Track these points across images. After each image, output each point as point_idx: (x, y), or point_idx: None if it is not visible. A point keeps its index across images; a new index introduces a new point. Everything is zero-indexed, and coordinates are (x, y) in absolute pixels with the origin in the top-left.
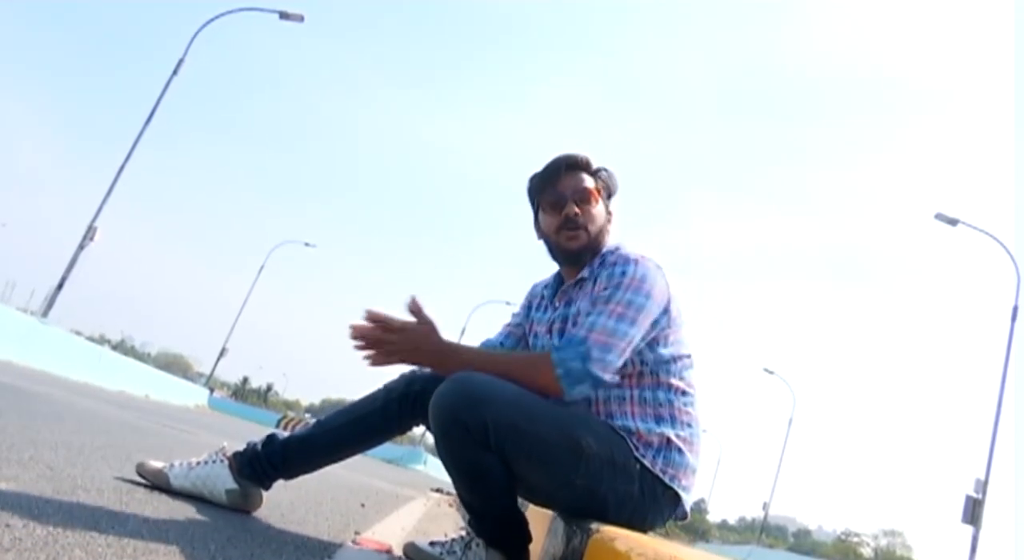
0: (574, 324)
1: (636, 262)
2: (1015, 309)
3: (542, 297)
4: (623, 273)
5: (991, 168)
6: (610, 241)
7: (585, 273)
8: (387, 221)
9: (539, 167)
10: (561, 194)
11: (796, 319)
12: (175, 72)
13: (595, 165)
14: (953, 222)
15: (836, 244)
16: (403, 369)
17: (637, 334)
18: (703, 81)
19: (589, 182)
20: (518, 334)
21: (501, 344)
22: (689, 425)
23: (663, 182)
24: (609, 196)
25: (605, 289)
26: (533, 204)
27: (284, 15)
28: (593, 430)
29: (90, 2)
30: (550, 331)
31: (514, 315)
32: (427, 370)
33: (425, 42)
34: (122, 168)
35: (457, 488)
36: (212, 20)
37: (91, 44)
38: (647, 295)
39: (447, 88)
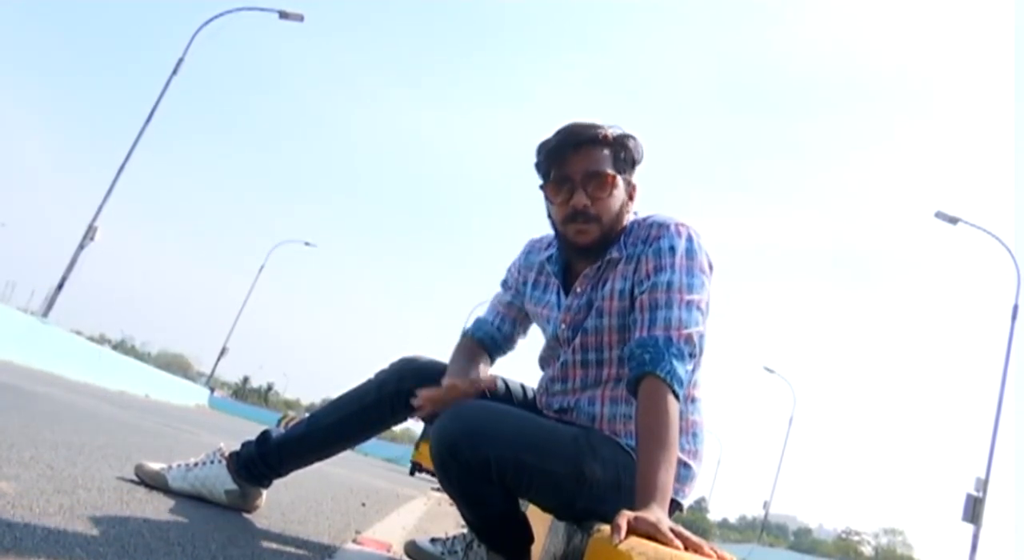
0: (600, 314)
1: (678, 232)
2: (1015, 308)
3: (545, 273)
4: (672, 249)
5: (991, 166)
6: (629, 218)
7: (615, 253)
8: (387, 219)
9: (548, 134)
10: (569, 179)
11: (796, 317)
12: (175, 72)
13: (614, 134)
14: (953, 221)
15: (836, 242)
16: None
17: (705, 320)
18: (701, 78)
19: (605, 162)
20: (512, 315)
21: (499, 329)
22: (695, 435)
23: (661, 179)
24: (633, 166)
25: (658, 271)
26: (542, 178)
27: (284, 14)
28: (600, 455)
29: (90, 2)
30: (566, 321)
31: (504, 286)
32: (419, 364)
33: (424, 40)
34: (122, 168)
35: (458, 507)
36: (212, 19)
37: (91, 43)
38: (701, 270)
39: (446, 86)
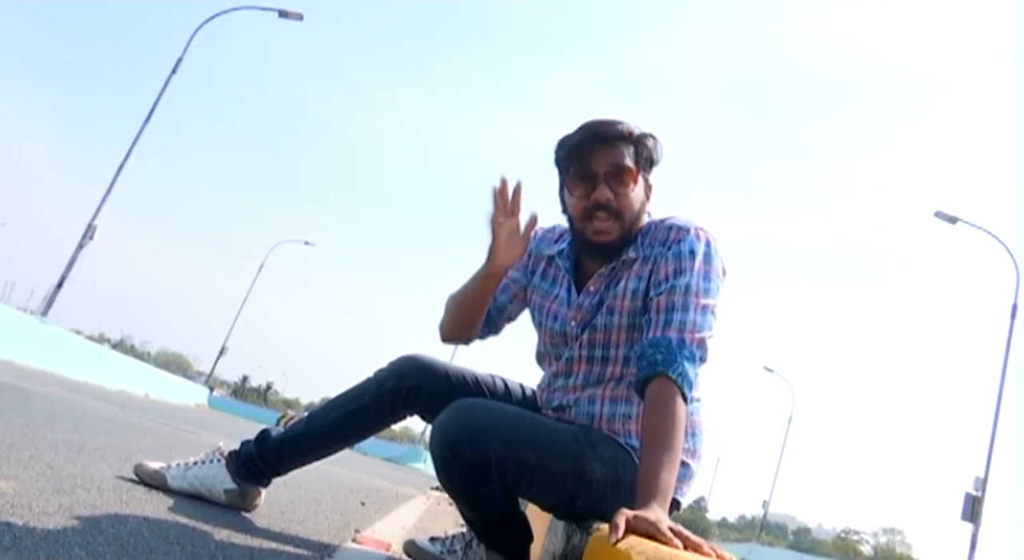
0: (611, 311)
1: (698, 236)
2: (1014, 307)
3: (555, 266)
4: (692, 253)
5: (990, 165)
6: (645, 218)
7: (631, 253)
8: (387, 219)
9: (569, 130)
10: (592, 173)
11: (795, 316)
12: (174, 71)
13: (637, 131)
14: (952, 220)
15: (835, 242)
16: (394, 357)
17: (716, 323)
18: (703, 78)
19: (627, 158)
20: (513, 290)
21: (495, 298)
22: (694, 434)
23: (662, 180)
24: (652, 166)
25: (677, 274)
26: (560, 173)
27: (283, 13)
28: (599, 453)
29: (90, 2)
30: (577, 319)
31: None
32: (419, 362)
33: (424, 39)
34: (121, 167)
35: (457, 506)
36: (211, 18)
37: (91, 43)
38: (717, 275)
39: (446, 85)
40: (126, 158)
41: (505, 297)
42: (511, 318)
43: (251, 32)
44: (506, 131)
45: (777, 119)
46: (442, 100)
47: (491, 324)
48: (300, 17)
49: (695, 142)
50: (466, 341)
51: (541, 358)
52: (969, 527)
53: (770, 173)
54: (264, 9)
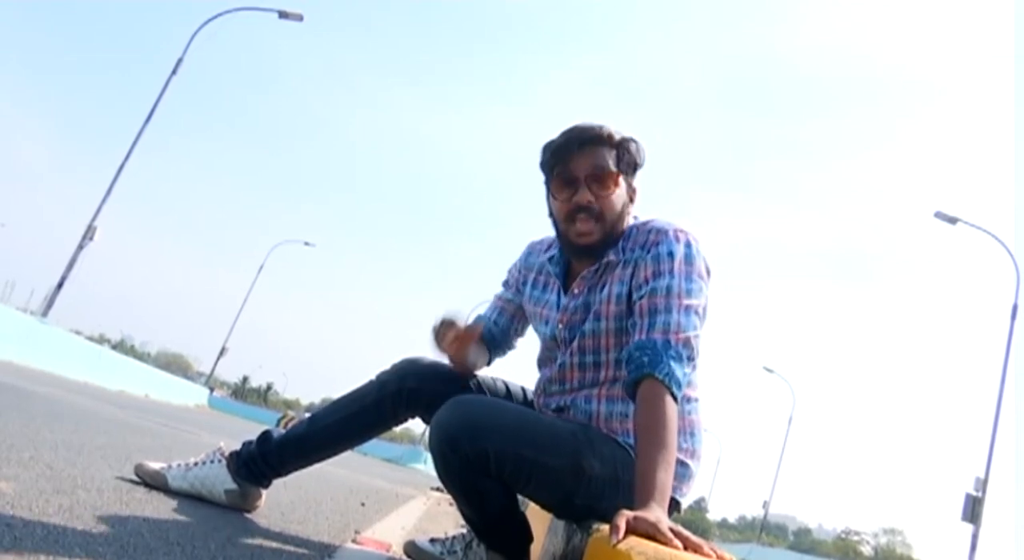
0: (597, 317)
1: (676, 238)
2: (1015, 307)
3: (546, 273)
4: (671, 255)
5: (990, 165)
6: (630, 221)
7: (612, 256)
8: (387, 219)
9: (554, 135)
10: (573, 176)
11: (795, 317)
12: (174, 71)
13: (618, 136)
14: (952, 220)
15: (836, 242)
16: (396, 358)
17: (702, 324)
18: (703, 78)
19: (609, 160)
20: (510, 311)
21: (495, 323)
22: (693, 434)
23: (662, 180)
24: (634, 170)
25: (657, 276)
26: (545, 177)
27: (283, 14)
28: (598, 451)
29: (90, 2)
30: (563, 321)
31: (505, 286)
32: (421, 364)
33: (424, 40)
34: (122, 167)
35: (457, 504)
36: (211, 19)
37: (91, 43)
38: (700, 275)
39: (446, 85)
40: (126, 158)
41: (505, 319)
42: (519, 334)
43: (251, 32)
44: (506, 131)
45: (777, 119)
46: (442, 100)
47: (503, 346)
48: (300, 18)
49: (695, 142)
50: (487, 365)
51: (541, 364)
52: (969, 528)
53: (770, 173)
54: (264, 10)
